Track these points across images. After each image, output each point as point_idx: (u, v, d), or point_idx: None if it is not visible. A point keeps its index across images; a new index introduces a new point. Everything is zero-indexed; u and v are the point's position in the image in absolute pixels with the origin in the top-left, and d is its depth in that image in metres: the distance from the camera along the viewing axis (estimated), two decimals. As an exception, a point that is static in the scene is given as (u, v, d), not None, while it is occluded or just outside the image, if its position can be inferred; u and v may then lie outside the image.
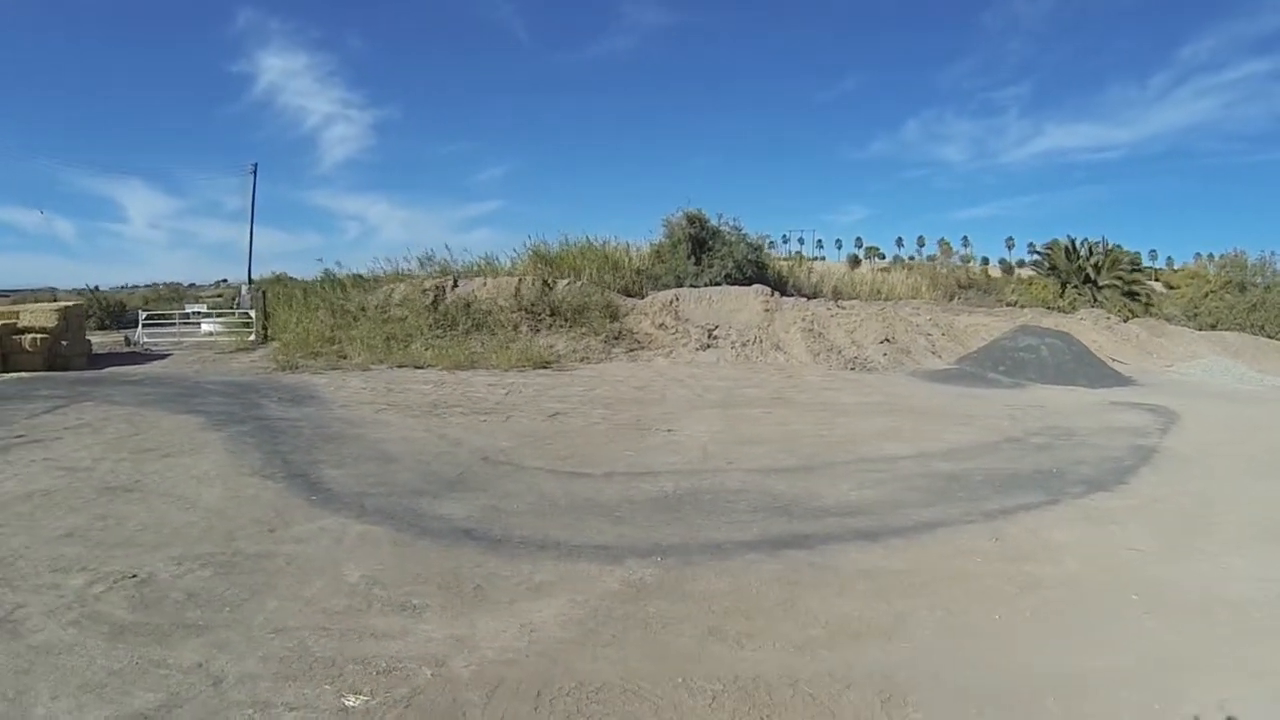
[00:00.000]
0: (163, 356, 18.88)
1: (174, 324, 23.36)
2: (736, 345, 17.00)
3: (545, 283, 18.81)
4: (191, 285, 51.38)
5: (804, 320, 17.83)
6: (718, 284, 19.86)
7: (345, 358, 16.54)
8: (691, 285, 19.74)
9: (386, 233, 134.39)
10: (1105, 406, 13.15)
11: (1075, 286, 23.51)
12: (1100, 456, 9.12)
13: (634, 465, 8.09)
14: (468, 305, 18.36)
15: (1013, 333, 17.60)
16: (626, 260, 21.64)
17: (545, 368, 15.56)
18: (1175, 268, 25.64)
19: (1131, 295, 23.26)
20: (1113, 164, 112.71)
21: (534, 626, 4.21)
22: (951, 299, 23.12)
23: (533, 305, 18.27)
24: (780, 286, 20.66)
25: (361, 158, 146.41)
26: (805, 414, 11.49)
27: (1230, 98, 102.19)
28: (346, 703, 3.39)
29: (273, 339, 20.07)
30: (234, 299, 29.74)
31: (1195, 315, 23.44)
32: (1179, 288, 25.57)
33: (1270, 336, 22.14)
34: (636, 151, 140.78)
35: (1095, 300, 22.89)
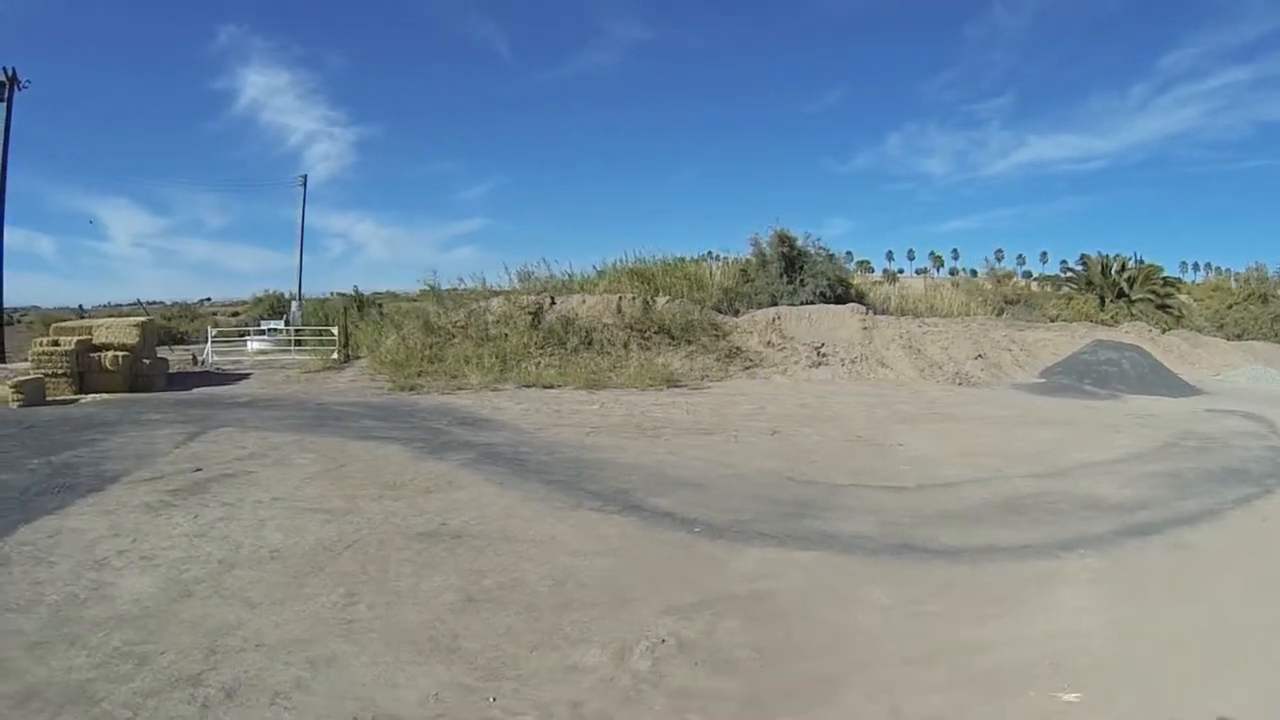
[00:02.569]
0: (244, 376, 19.02)
1: (228, 341, 24.08)
2: (846, 362, 18.24)
3: (646, 300, 19.90)
4: (205, 300, 50.81)
5: (901, 337, 19.34)
6: (810, 303, 21.25)
7: (455, 377, 17.15)
8: (788, 304, 21.09)
9: (371, 250, 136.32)
10: (1206, 415, 15.16)
11: (1111, 300, 26.42)
12: (1253, 456, 10.98)
13: (924, 479, 9.13)
14: (570, 322, 19.21)
15: (1091, 346, 19.71)
16: (709, 278, 23.21)
17: (677, 386, 16.55)
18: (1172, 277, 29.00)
19: (1164, 308, 26.19)
20: (1095, 174, 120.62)
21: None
22: (1000, 314, 25.51)
23: (637, 323, 19.29)
24: (861, 303, 22.49)
25: (345, 175, 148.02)
26: (982, 427, 12.89)
27: (1211, 106, 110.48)
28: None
29: (356, 357, 20.64)
30: (284, 316, 30.29)
31: (1222, 325, 25.88)
32: (1201, 300, 28.78)
33: None
34: (620, 167, 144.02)
35: (1130, 314, 25.80)
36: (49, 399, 15.54)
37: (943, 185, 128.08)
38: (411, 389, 16.53)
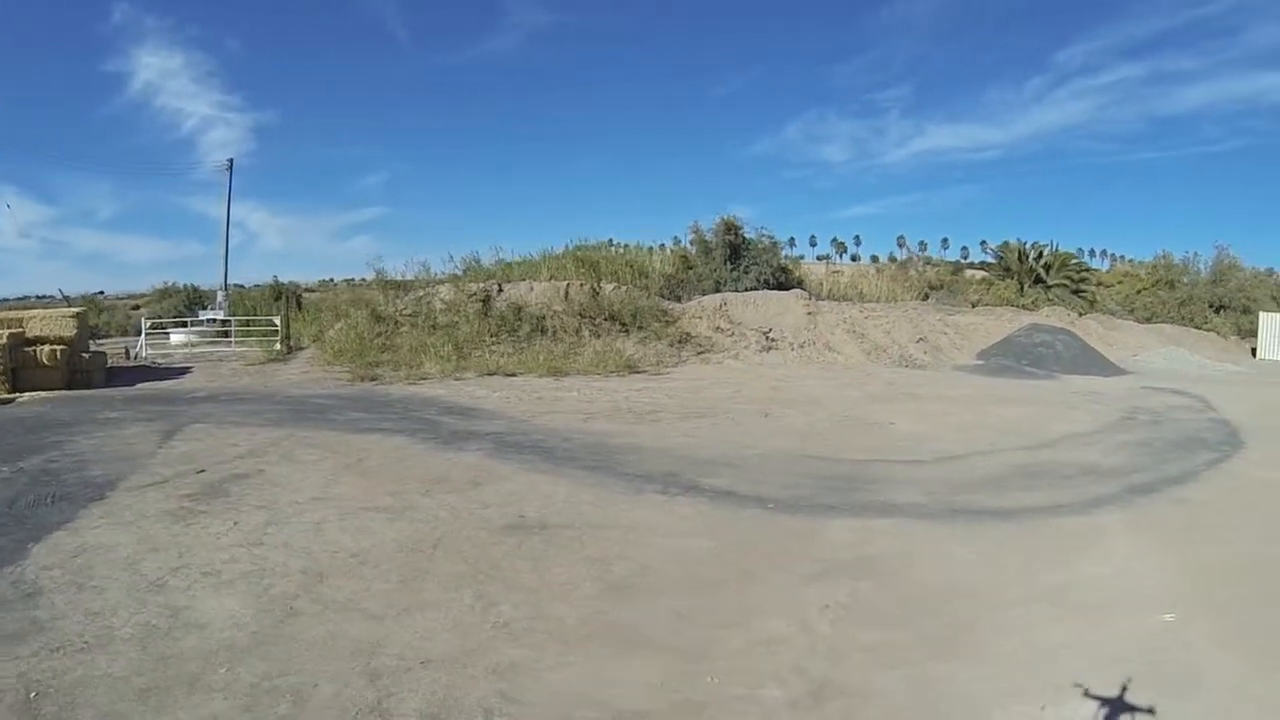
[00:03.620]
0: (184, 370, 18.28)
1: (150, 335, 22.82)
2: (795, 347, 19.11)
3: (593, 287, 20.15)
4: (99, 293, 47.35)
5: (845, 322, 20.37)
6: (754, 289, 22.01)
7: (413, 367, 17.05)
8: (732, 290, 21.78)
9: (265, 241, 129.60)
10: (1142, 392, 16.73)
11: (1030, 286, 28.42)
12: (1202, 427, 12.62)
13: (933, 453, 10.05)
14: (520, 309, 19.37)
15: (1027, 329, 21.34)
16: (651, 265, 23.70)
17: (637, 372, 17.03)
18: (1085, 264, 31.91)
19: (1078, 293, 28.41)
20: (990, 163, 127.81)
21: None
22: (925, 299, 27.15)
23: (585, 309, 19.57)
24: (802, 289, 23.39)
25: (241, 163, 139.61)
26: (951, 406, 13.95)
27: (1103, 100, 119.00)
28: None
29: (299, 348, 20.18)
30: (208, 308, 28.75)
31: (1133, 310, 28.49)
32: (1112, 285, 31.42)
33: (1197, 327, 27.45)
34: (521, 154, 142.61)
35: (1048, 299, 27.84)
36: None
37: (842, 172, 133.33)
38: (373, 379, 16.45)
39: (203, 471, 8.44)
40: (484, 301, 19.85)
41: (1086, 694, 4.08)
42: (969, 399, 15.01)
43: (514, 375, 16.76)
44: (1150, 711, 3.87)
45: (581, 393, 14.58)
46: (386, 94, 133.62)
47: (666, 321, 20.01)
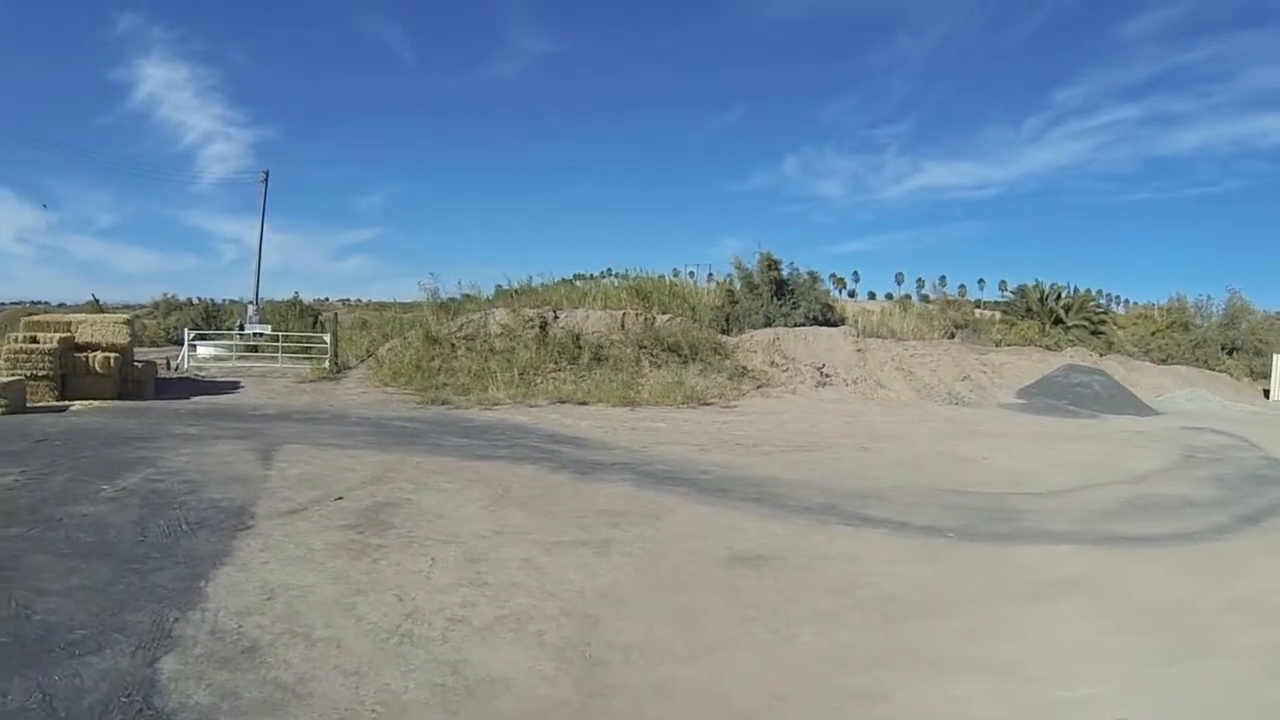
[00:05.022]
0: (235, 385, 18.83)
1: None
2: (849, 383, 19.96)
3: (647, 318, 21.09)
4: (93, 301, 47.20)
5: (893, 360, 21.32)
6: (802, 325, 23.07)
7: (475, 392, 17.73)
8: (782, 325, 22.81)
9: (264, 257, 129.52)
10: (1186, 432, 17.96)
11: (1050, 327, 30.13)
12: (1260, 465, 13.52)
13: (1045, 487, 10.85)
14: (577, 337, 20.16)
15: (1064, 370, 22.71)
16: (699, 298, 24.61)
17: (706, 405, 17.77)
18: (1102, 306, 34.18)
19: (1097, 334, 30.24)
20: (988, 201, 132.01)
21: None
22: (951, 337, 28.70)
23: (641, 339, 20.42)
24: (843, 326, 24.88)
25: (240, 178, 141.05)
26: (1022, 443, 14.88)
27: (1101, 140, 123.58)
28: None
29: (347, 367, 20.73)
30: (239, 321, 29.17)
31: (1148, 351, 30.13)
32: (1126, 327, 33.31)
33: (1211, 369, 29.11)
34: (517, 180, 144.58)
35: (1068, 339, 29.51)
36: (29, 405, 14.59)
37: (839, 207, 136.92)
38: (443, 403, 17.02)
39: (340, 499, 8.44)
40: (541, 327, 20.61)
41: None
42: (1035, 436, 16.20)
43: (586, 404, 17.40)
44: None
45: (668, 423, 15.22)
46: (389, 115, 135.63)
47: (722, 354, 20.86)
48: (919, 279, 60.73)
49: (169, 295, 36.82)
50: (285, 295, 43.52)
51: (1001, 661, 5.18)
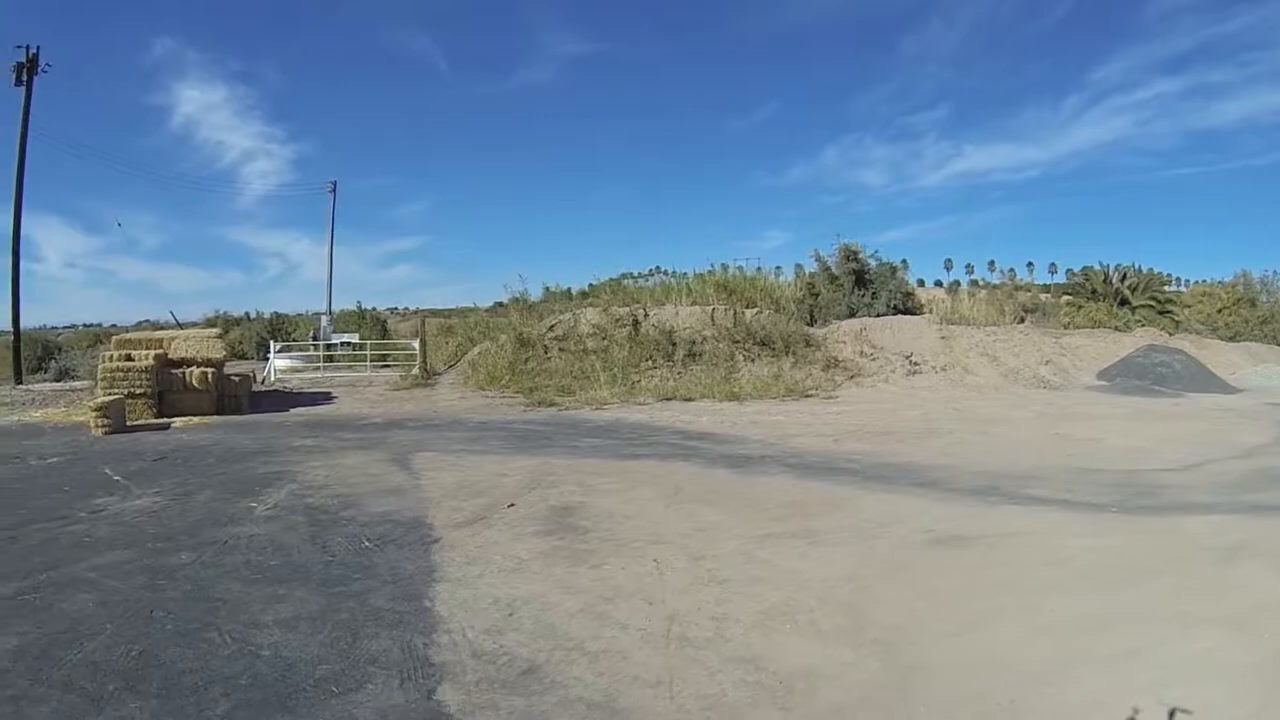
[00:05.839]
0: (327, 395, 19.69)
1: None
2: (937, 370, 20.81)
3: (736, 312, 21.94)
4: (144, 321, 48.60)
5: (977, 346, 22.14)
6: (884, 314, 24.02)
7: (575, 393, 18.63)
8: (865, 315, 23.82)
9: (308, 270, 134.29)
10: (1272, 408, 18.67)
11: (1116, 307, 31.06)
12: None
13: (1169, 463, 11.63)
14: (669, 334, 21.11)
15: (1144, 350, 23.50)
16: (779, 291, 25.59)
17: (808, 396, 18.67)
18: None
19: (1165, 313, 31.16)
20: (1028, 183, 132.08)
21: None
22: (1021, 322, 29.64)
23: (731, 334, 21.27)
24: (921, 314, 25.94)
25: (281, 193, 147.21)
26: (1126, 423, 15.69)
27: (1142, 116, 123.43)
28: None
29: (435, 373, 21.90)
30: (312, 332, 30.44)
31: (1215, 329, 31.09)
32: (1190, 305, 34.15)
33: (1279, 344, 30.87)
34: (556, 182, 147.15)
35: (1135, 320, 30.47)
36: (129, 424, 15.16)
37: (879, 196, 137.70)
38: (550, 404, 17.91)
39: (513, 505, 8.70)
40: (633, 326, 21.64)
41: None
42: (1135, 415, 16.99)
43: (691, 400, 18.32)
44: None
45: (785, 416, 16.08)
46: (426, 124, 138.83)
47: (813, 346, 21.74)
48: (967, 264, 61.29)
49: (221, 312, 37.83)
50: (338, 306, 45.03)
51: (1227, 616, 5.91)
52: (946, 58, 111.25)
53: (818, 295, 25.03)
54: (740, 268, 25.57)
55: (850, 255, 25.23)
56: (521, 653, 4.92)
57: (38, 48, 23.61)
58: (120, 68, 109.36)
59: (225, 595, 5.98)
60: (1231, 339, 29.88)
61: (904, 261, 26.23)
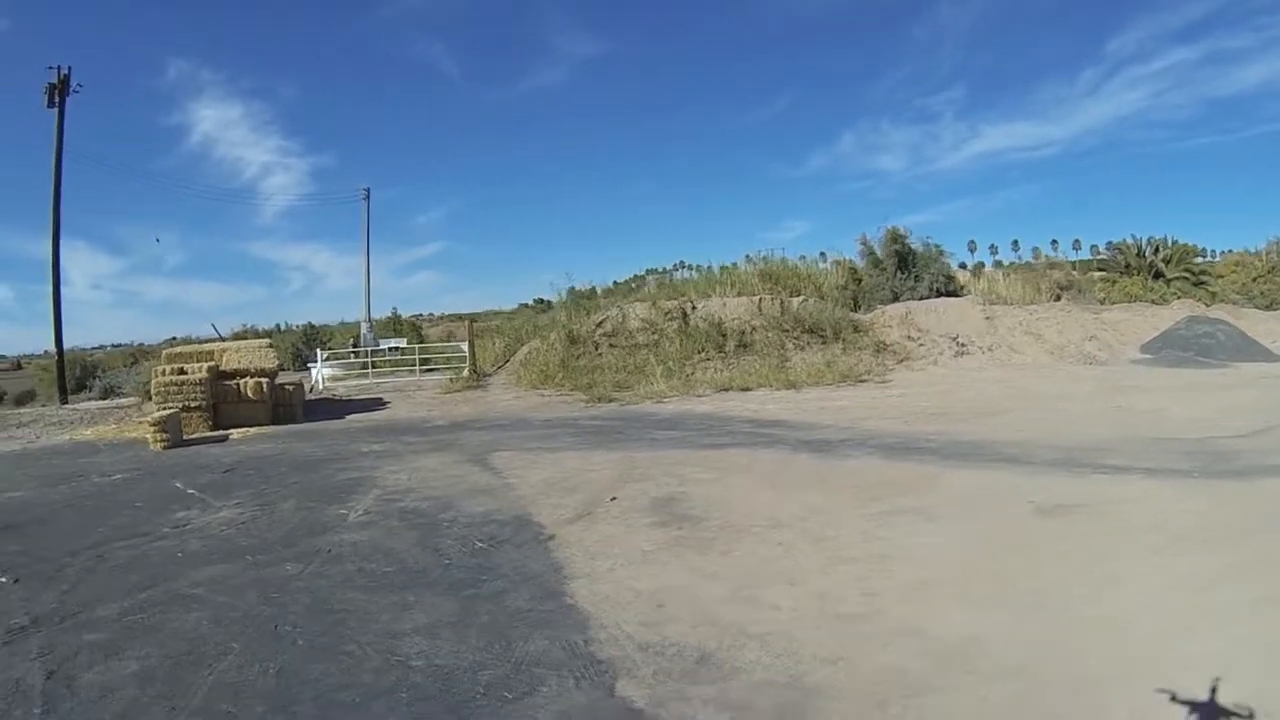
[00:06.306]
0: (379, 401, 20.18)
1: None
2: (984, 350, 21.30)
3: (782, 301, 22.54)
4: (172, 339, 49.56)
5: (1021, 325, 22.57)
6: (927, 297, 24.50)
7: (632, 387, 19.25)
8: (909, 298, 24.29)
9: (331, 281, 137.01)
10: None
11: (1150, 281, 31.56)
12: None
13: (1236, 430, 12.09)
14: (718, 325, 21.63)
15: (1185, 321, 23.88)
16: (822, 278, 26.10)
17: (862, 381, 19.25)
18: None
19: (1199, 284, 31.61)
20: (1048, 160, 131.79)
21: None
22: (1058, 299, 30.17)
23: (779, 322, 21.84)
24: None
25: (301, 205, 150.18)
26: (1181, 394, 16.18)
27: (1159, 87, 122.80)
28: None
29: (485, 374, 22.55)
30: (353, 339, 31.19)
31: (1252, 298, 31.32)
32: (1224, 275, 34.50)
33: None
34: (575, 183, 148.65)
35: (1171, 292, 30.93)
36: (186, 437, 15.39)
37: (899, 181, 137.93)
38: (610, 400, 18.49)
39: (615, 499, 8.94)
40: (682, 319, 22.25)
41: None
42: (1189, 386, 17.26)
43: (749, 389, 18.89)
44: None
45: (849, 401, 16.66)
46: (441, 131, 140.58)
47: (860, 331, 22.28)
48: (991, 245, 61.73)
49: (250, 325, 38.49)
50: (357, 316, 45.78)
51: None
52: (959, 39, 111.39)
53: (860, 281, 25.54)
54: (784, 257, 25.95)
55: (896, 238, 25.69)
56: (688, 642, 4.98)
57: (69, 68, 24.11)
58: (135, 91, 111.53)
59: (349, 606, 5.90)
60: (1268, 307, 30.28)
61: (971, 243, 26.56)
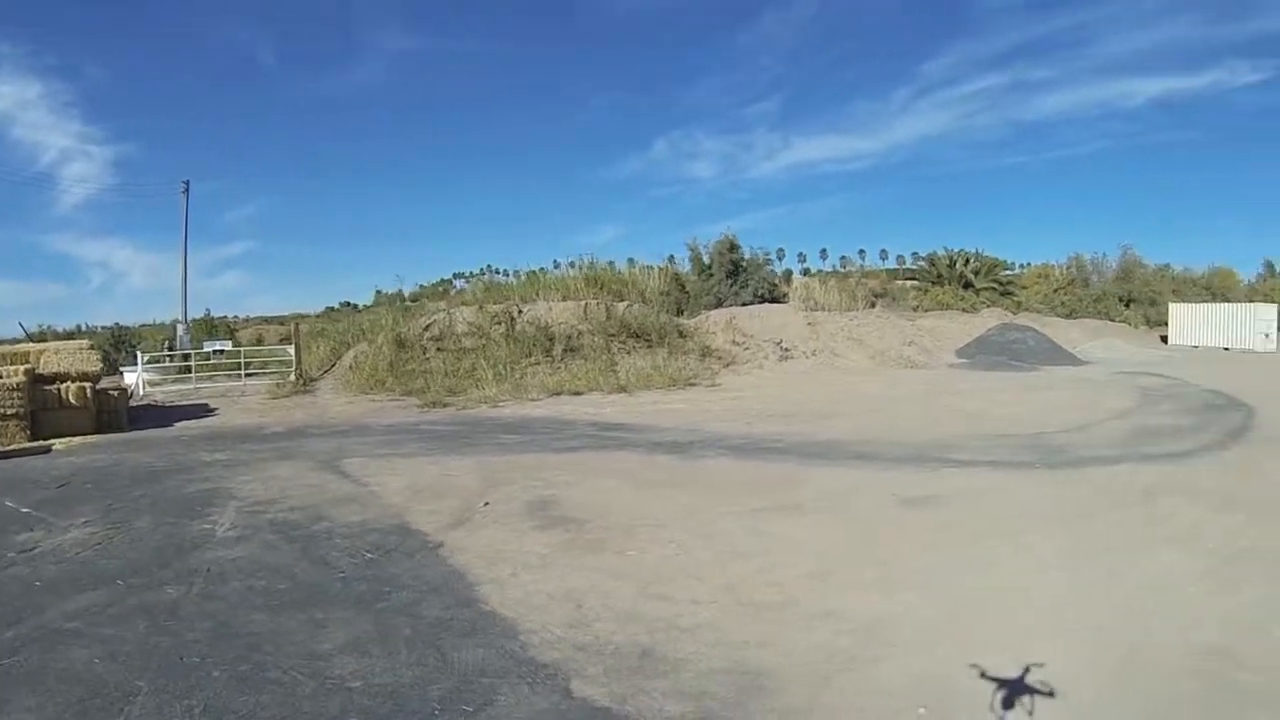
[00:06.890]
0: (204, 408, 18.23)
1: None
2: (808, 355, 21.59)
3: (607, 306, 22.02)
4: None
5: (842, 330, 23.16)
6: (750, 303, 24.71)
7: (465, 392, 18.22)
8: (732, 305, 24.40)
9: (133, 280, 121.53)
10: (1124, 376, 20.40)
11: (961, 291, 33.16)
12: (1207, 397, 16.23)
13: (1056, 426, 12.82)
14: (545, 329, 20.88)
15: (999, 328, 25.28)
16: (645, 283, 25.66)
17: (693, 385, 19.05)
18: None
19: (1006, 294, 33.53)
20: (860, 173, 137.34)
21: None
22: (873, 306, 31.08)
23: (605, 327, 21.35)
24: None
25: (103, 198, 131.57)
26: (1001, 395, 17.04)
27: (967, 109, 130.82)
28: None
29: (311, 378, 20.51)
30: (167, 342, 27.72)
31: (1054, 308, 33.91)
32: (1028, 286, 36.93)
33: (1112, 320, 33.03)
34: (387, 182, 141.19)
35: (980, 302, 32.64)
36: (3, 449, 13.33)
37: (711, 188, 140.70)
38: (443, 405, 17.44)
39: (488, 504, 8.62)
40: (509, 323, 21.33)
41: None
42: (1006, 388, 18.26)
43: (580, 394, 18.35)
44: None
45: (686, 405, 16.48)
46: (253, 124, 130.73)
47: (685, 336, 22.14)
48: (800, 253, 63.99)
49: (47, 326, 34.18)
50: (161, 317, 41.88)
51: (1170, 537, 7.04)
52: (782, 49, 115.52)
53: (684, 286, 25.37)
54: (610, 262, 25.48)
55: (732, 246, 25.77)
56: (622, 640, 4.98)
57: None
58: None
59: (255, 628, 5.42)
60: (1068, 316, 32.56)
61: (779, 250, 27.03)
